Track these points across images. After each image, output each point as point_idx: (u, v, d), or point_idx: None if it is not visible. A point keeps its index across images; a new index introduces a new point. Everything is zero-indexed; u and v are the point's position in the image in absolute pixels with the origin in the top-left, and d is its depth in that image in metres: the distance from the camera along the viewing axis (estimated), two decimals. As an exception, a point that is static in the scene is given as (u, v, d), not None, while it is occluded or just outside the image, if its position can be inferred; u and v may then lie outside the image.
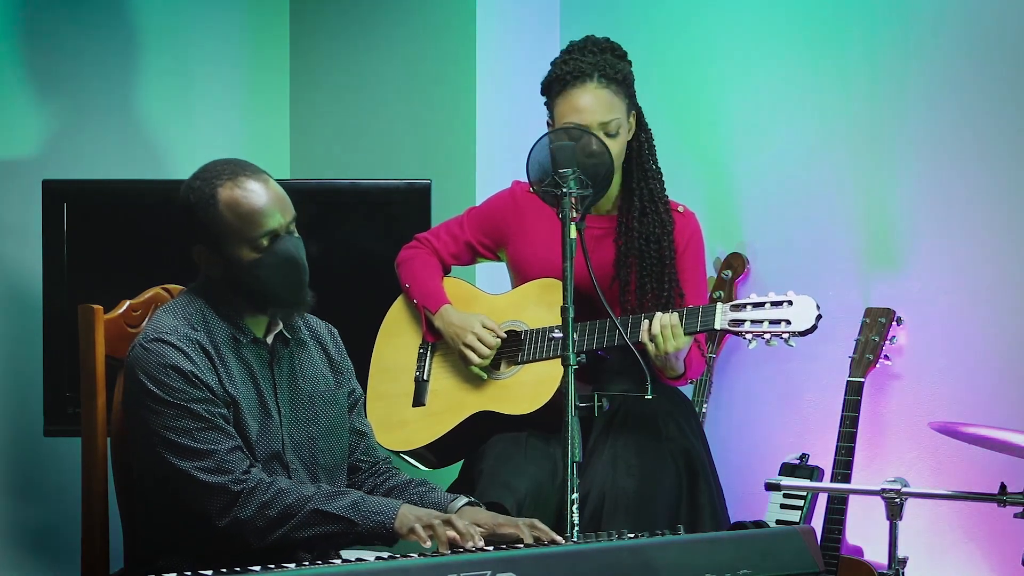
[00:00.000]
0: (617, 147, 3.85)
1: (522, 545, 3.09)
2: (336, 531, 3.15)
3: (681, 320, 3.72)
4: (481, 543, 3.07)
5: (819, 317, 3.63)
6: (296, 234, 3.27)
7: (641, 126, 3.97)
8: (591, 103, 3.87)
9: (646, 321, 3.75)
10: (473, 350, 3.95)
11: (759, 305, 3.66)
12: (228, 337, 3.26)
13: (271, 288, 3.25)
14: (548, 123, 3.95)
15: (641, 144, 3.96)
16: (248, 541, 3.14)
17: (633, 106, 3.94)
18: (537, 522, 3.22)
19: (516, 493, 3.82)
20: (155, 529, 3.27)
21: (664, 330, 3.72)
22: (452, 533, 3.08)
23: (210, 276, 3.29)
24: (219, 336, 3.25)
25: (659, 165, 3.98)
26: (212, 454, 3.15)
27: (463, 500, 3.33)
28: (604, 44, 3.94)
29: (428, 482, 3.45)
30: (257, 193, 3.21)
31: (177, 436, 3.15)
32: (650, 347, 3.74)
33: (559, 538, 3.14)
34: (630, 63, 3.96)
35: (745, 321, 3.67)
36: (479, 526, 3.15)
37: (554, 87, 3.93)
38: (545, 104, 3.96)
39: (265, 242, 3.22)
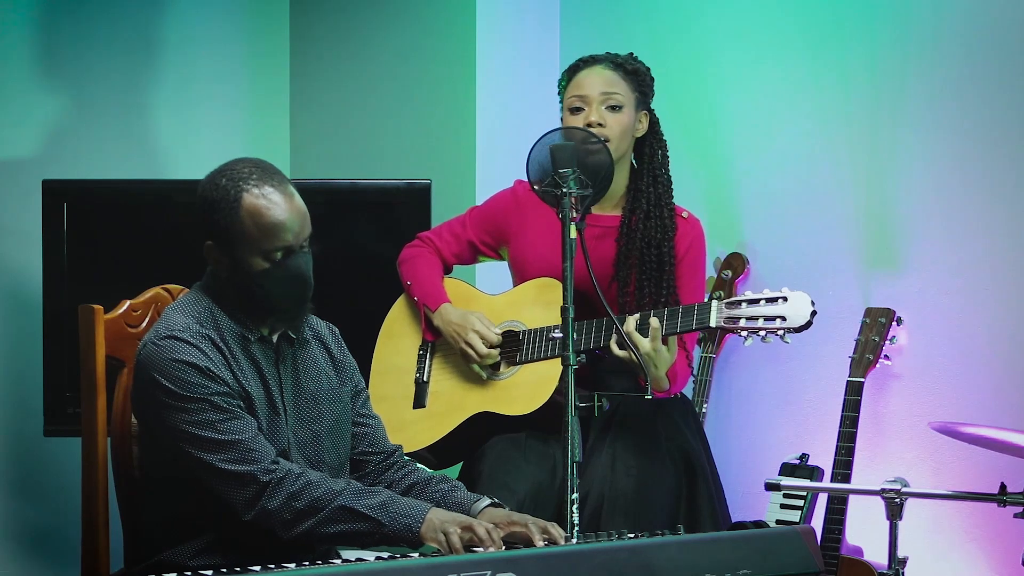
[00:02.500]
0: (619, 124, 3.87)
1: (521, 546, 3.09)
2: (363, 530, 3.13)
3: (676, 319, 3.72)
4: (501, 550, 3.04)
5: (814, 313, 3.60)
6: (307, 249, 3.27)
7: (655, 132, 3.99)
8: (593, 80, 3.93)
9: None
10: (473, 348, 3.95)
11: (754, 302, 3.64)
12: (237, 334, 3.26)
13: (273, 300, 3.24)
14: (560, 118, 3.97)
15: (655, 151, 3.98)
16: (275, 533, 3.14)
17: (644, 104, 3.96)
18: (553, 525, 3.18)
19: (515, 495, 3.82)
20: (156, 529, 3.26)
21: (632, 335, 3.70)
22: (473, 536, 3.06)
23: (216, 274, 3.29)
24: (228, 333, 3.25)
25: (671, 176, 3.99)
26: (237, 444, 3.13)
27: (486, 501, 3.29)
28: (628, 56, 3.99)
29: (449, 478, 3.41)
30: (281, 207, 3.20)
31: (200, 430, 3.13)
32: (621, 353, 3.72)
33: (563, 542, 3.12)
34: (652, 78, 3.98)
35: (740, 318, 3.65)
36: (495, 525, 3.13)
37: (564, 77, 3.99)
38: (560, 103, 3.99)
39: (278, 256, 3.21)
